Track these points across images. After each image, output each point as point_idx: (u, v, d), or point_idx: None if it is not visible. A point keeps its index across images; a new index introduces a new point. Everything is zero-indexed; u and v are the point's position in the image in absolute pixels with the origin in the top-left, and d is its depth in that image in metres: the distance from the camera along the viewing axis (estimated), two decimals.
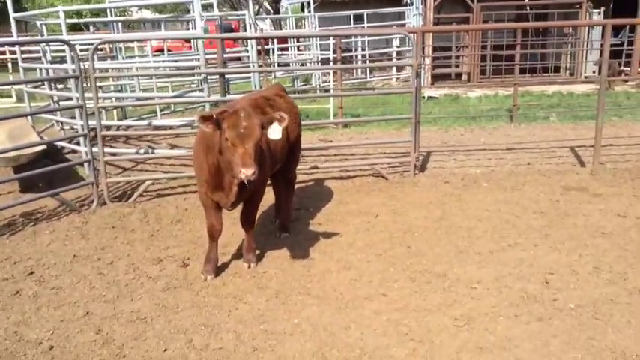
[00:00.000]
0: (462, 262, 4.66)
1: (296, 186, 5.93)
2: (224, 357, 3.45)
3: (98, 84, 7.23)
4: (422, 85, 15.34)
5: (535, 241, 5.02)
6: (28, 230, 5.64)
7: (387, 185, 6.86)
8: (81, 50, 8.57)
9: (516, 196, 6.29)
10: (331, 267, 4.66)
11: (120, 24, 12.22)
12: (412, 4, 17.14)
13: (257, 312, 3.97)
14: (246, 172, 3.70)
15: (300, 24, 20.36)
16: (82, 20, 10.95)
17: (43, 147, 6.84)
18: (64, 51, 13.51)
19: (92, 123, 6.48)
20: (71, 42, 6.39)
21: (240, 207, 4.61)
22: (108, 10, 11.93)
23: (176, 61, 12.38)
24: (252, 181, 3.95)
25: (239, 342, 3.60)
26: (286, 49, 16.13)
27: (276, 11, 32.34)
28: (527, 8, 17.34)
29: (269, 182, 5.18)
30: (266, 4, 29.70)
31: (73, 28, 20.60)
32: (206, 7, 16.04)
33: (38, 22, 9.54)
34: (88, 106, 6.23)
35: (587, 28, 16.84)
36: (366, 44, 17.24)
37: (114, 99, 9.82)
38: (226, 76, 7.28)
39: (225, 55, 8.56)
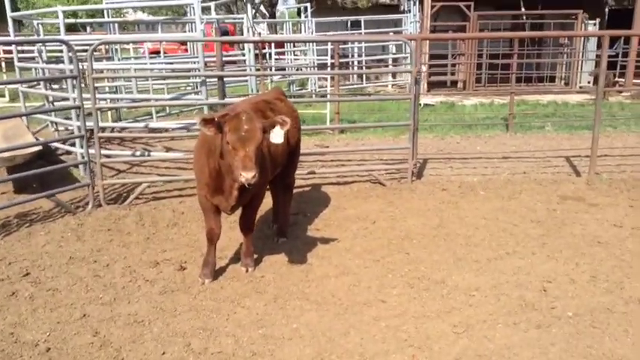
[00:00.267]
0: (460, 270, 4.66)
1: (294, 191, 5.92)
2: None
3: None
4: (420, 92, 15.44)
5: (533, 250, 5.03)
6: (22, 231, 5.59)
7: (385, 191, 6.86)
8: (77, 51, 8.52)
9: (513, 204, 6.31)
10: (329, 272, 4.65)
11: (116, 25, 12.22)
12: (409, 12, 17.21)
13: (255, 316, 3.95)
14: (247, 176, 3.69)
15: (295, 29, 20.40)
16: (79, 20, 10.89)
17: (39, 147, 6.78)
18: (59, 51, 13.52)
19: (88, 124, 6.44)
20: (69, 42, 6.34)
21: (238, 211, 4.59)
22: (105, 11, 11.93)
23: (172, 63, 12.33)
24: (253, 184, 3.94)
25: (238, 346, 3.58)
26: (283, 53, 16.14)
27: (272, 15, 32.39)
28: (524, 18, 17.47)
29: (267, 187, 5.17)
30: (262, 8, 29.74)
31: (68, 29, 20.49)
32: (203, 10, 16.07)
33: (35, 22, 9.48)
34: (85, 106, 6.20)
35: (582, 38, 16.97)
36: (363, 50, 17.27)
37: (111, 100, 9.77)
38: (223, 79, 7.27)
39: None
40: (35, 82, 9.50)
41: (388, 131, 10.80)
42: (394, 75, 18.71)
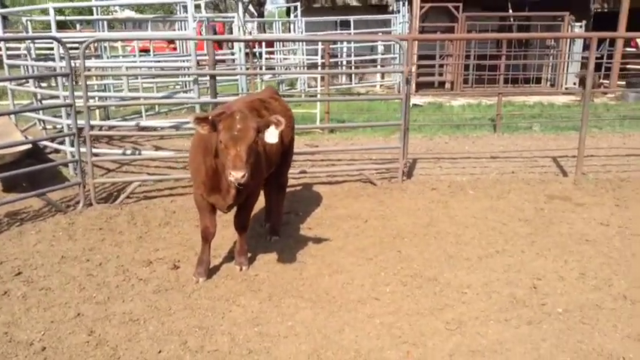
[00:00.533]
0: (451, 268, 4.73)
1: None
2: (219, 359, 3.45)
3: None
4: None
5: (522, 248, 5.11)
6: (13, 230, 5.56)
7: (375, 191, 6.91)
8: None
9: (502, 203, 6.40)
10: (323, 271, 4.69)
11: (105, 23, 12.14)
12: (398, 12, 17.30)
13: (251, 314, 3.98)
14: (236, 175, 3.71)
15: (283, 28, 20.41)
16: (70, 18, 10.82)
17: (29, 146, 6.74)
18: (47, 48, 13.41)
19: (79, 122, 6.41)
20: (62, 39, 6.31)
21: (232, 210, 4.61)
22: (94, 9, 11.85)
23: (162, 62, 12.29)
24: (247, 183, 3.97)
25: (234, 344, 3.60)
26: (272, 52, 16.14)
27: (261, 15, 32.36)
28: (512, 19, 17.64)
29: None
30: (251, 7, 29.70)
31: (56, 26, 20.29)
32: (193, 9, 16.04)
33: (24, 19, 9.41)
34: (76, 104, 6.18)
35: (568, 40, 17.18)
36: (352, 50, 17.33)
37: (99, 98, 9.71)
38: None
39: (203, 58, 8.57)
40: (24, 80, 9.41)
41: (377, 131, 10.85)
42: (382, 75, 18.80)
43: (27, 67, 9.37)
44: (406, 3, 17.33)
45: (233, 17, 11.00)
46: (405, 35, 14.96)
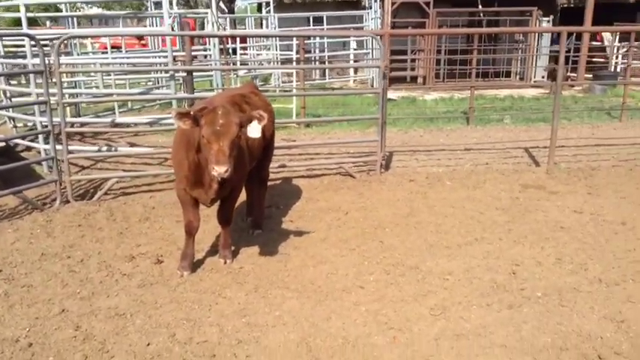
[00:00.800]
0: (432, 256, 4.83)
1: None
2: (209, 350, 3.47)
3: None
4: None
5: (500, 236, 5.25)
6: None
7: (355, 183, 6.98)
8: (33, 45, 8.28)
9: (478, 193, 6.54)
10: (307, 262, 4.73)
11: (75, 19, 11.94)
12: (370, 8, 17.40)
13: (238, 306, 4.00)
14: (219, 170, 3.73)
15: (255, 24, 20.28)
16: (40, 14, 10.60)
17: (1, 144, 6.61)
18: (14, 46, 13.09)
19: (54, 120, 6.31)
20: (35, 36, 6.19)
21: (214, 204, 4.62)
22: (63, 6, 11.65)
23: (133, 58, 12.14)
24: (230, 178, 3.99)
25: (223, 335, 3.62)
26: (245, 48, 16.07)
27: (231, 11, 32.10)
28: (481, 15, 17.92)
29: None
30: (221, 3, 29.46)
31: (19, 23, 19.80)
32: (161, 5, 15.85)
33: None
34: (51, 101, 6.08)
35: (536, 35, 17.55)
36: (325, 46, 17.38)
37: (71, 95, 9.56)
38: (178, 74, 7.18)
39: (179, 54, 8.51)
40: None
41: (353, 125, 10.94)
42: (355, 70, 18.89)
43: None
44: None
45: (206, 13, 10.93)
46: (381, 30, 15.06)
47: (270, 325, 3.75)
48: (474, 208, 6.00)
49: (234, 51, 14.34)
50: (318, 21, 17.86)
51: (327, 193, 6.65)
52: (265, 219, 5.64)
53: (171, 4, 12.16)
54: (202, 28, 15.29)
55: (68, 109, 10.69)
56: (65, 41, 9.04)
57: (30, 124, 9.59)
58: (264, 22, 17.75)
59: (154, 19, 14.18)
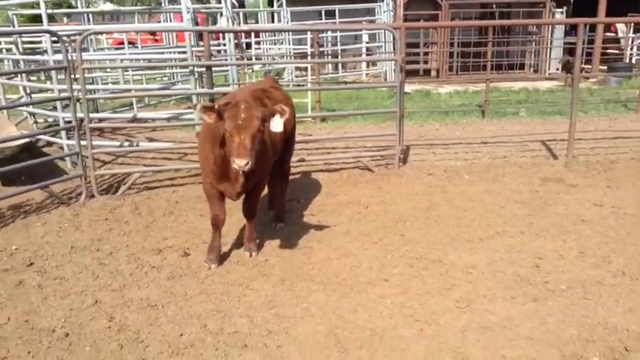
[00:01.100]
0: (455, 249, 4.87)
1: None
2: (240, 340, 3.55)
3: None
4: (393, 81, 15.62)
5: (521, 229, 5.28)
6: (18, 222, 5.57)
7: (373, 177, 7.03)
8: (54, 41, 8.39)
9: (498, 187, 6.56)
10: (330, 255, 4.80)
11: (91, 15, 12.05)
12: (382, 1, 17.37)
13: (265, 298, 4.08)
14: (240, 163, 3.81)
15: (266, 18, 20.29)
16: (57, 11, 10.70)
17: (27, 139, 6.72)
18: (30, 42, 13.24)
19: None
20: (57, 33, 6.28)
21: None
22: (79, 2, 11.74)
23: (153, 53, 12.23)
24: (254, 171, 4.08)
25: (253, 326, 3.71)
26: (259, 43, 16.12)
27: (242, 5, 32.12)
28: (494, 6, 17.84)
29: None
30: None
31: (35, 20, 20.00)
32: (174, 0, 15.90)
33: (10, 13, 9.29)
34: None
35: (549, 26, 17.45)
36: (338, 40, 17.39)
37: (96, 91, 9.69)
38: (197, 69, 7.23)
39: (196, 49, 8.57)
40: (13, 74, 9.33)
41: (368, 119, 10.98)
42: (368, 64, 18.88)
43: (14, 61, 9.28)
44: None
45: (220, 8, 10.97)
46: (397, 24, 15.03)
47: (298, 317, 3.82)
48: (494, 202, 6.03)
49: (248, 45, 14.39)
50: (329, 14, 17.86)
51: (346, 187, 6.71)
52: (287, 213, 5.72)
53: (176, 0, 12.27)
54: (214, 23, 15.29)
55: (86, 104, 10.84)
56: (73, 37, 9.16)
57: (50, 119, 9.73)
58: (275, 16, 17.81)
59: (167, 14, 14.29)
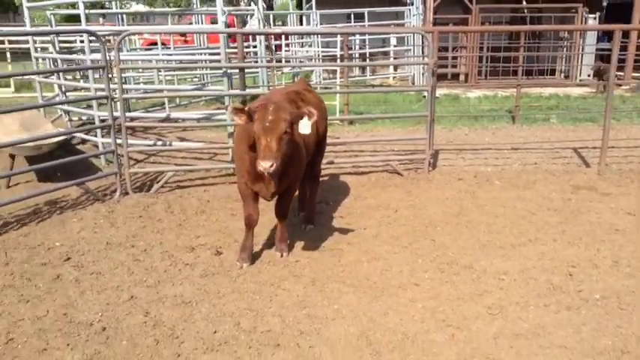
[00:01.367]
0: (486, 255, 4.85)
1: None
2: (273, 339, 3.59)
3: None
4: (422, 84, 15.56)
5: (554, 237, 5.23)
6: (54, 218, 5.72)
7: (402, 181, 7.03)
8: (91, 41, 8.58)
9: (529, 193, 6.51)
10: (361, 258, 4.82)
11: (124, 16, 12.29)
12: (412, 4, 17.32)
13: (297, 298, 4.12)
14: (264, 165, 3.88)
15: (286, 20, 20.39)
16: (94, 11, 10.95)
17: (64, 137, 6.89)
18: (65, 41, 13.55)
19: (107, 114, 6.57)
20: (97, 33, 6.43)
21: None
22: (113, 3, 12.02)
23: (189, 54, 12.45)
24: (289, 172, 4.14)
25: (285, 325, 3.75)
26: (288, 45, 16.22)
27: (270, 7, 32.35)
28: (525, 11, 17.64)
29: None
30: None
31: (72, 19, 20.45)
32: (206, 2, 16.15)
33: (48, 12, 9.55)
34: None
35: (581, 32, 17.19)
36: (366, 42, 17.39)
37: (132, 91, 9.90)
38: (229, 71, 7.32)
39: (227, 50, 8.71)
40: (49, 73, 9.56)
41: (396, 123, 10.97)
42: (395, 67, 18.84)
43: (52, 59, 9.51)
44: None
45: (253, 10, 11.09)
46: (430, 27, 14.98)
47: (329, 318, 3.85)
48: (526, 209, 5.98)
49: (277, 48, 14.49)
50: (358, 17, 17.86)
51: (375, 190, 6.72)
52: (316, 214, 5.75)
53: (208, 1, 12.44)
54: (242, 25, 15.46)
55: (118, 104, 11.07)
56: (111, 37, 9.39)
57: (84, 117, 9.96)
58: (304, 18, 17.89)
59: (198, 16, 14.48)
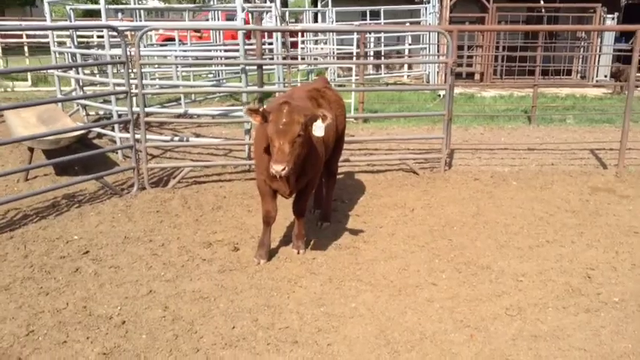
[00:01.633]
0: (504, 256, 4.83)
1: None
2: (291, 336, 3.60)
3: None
4: (437, 83, 15.49)
5: (572, 239, 5.19)
6: (73, 211, 5.77)
7: (418, 180, 7.01)
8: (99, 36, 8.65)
9: (547, 194, 6.46)
10: (377, 256, 4.82)
11: (143, 12, 12.35)
12: (428, 3, 17.24)
13: (314, 295, 4.13)
14: (276, 168, 3.90)
15: (300, 17, 20.37)
16: (112, 7, 11.02)
17: (83, 131, 6.95)
18: (82, 36, 13.66)
19: (125, 109, 6.60)
20: (118, 28, 6.47)
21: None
22: None
23: (209, 50, 12.51)
24: (307, 169, 4.14)
25: (303, 322, 3.76)
26: (303, 42, 16.21)
27: (284, 4, 32.36)
28: (542, 10, 17.48)
29: None
30: None
31: (90, 15, 20.63)
32: None
33: (67, 7, 9.61)
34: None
35: (598, 32, 17.01)
36: (382, 40, 17.33)
37: (150, 86, 9.98)
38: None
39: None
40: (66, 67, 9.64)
41: (411, 121, 10.93)
42: (410, 66, 18.76)
43: (70, 54, 9.58)
44: None
45: (270, 7, 11.08)
46: (449, 26, 14.89)
47: (347, 316, 3.85)
48: (543, 210, 5.94)
49: (292, 45, 14.47)
50: (374, 15, 17.80)
51: (391, 189, 6.71)
52: (332, 212, 5.75)
53: None
54: (260, 22, 15.47)
55: (135, 99, 11.14)
56: (129, 33, 9.45)
57: (101, 112, 10.03)
58: (319, 15, 17.86)
59: (214, 12, 14.51)
